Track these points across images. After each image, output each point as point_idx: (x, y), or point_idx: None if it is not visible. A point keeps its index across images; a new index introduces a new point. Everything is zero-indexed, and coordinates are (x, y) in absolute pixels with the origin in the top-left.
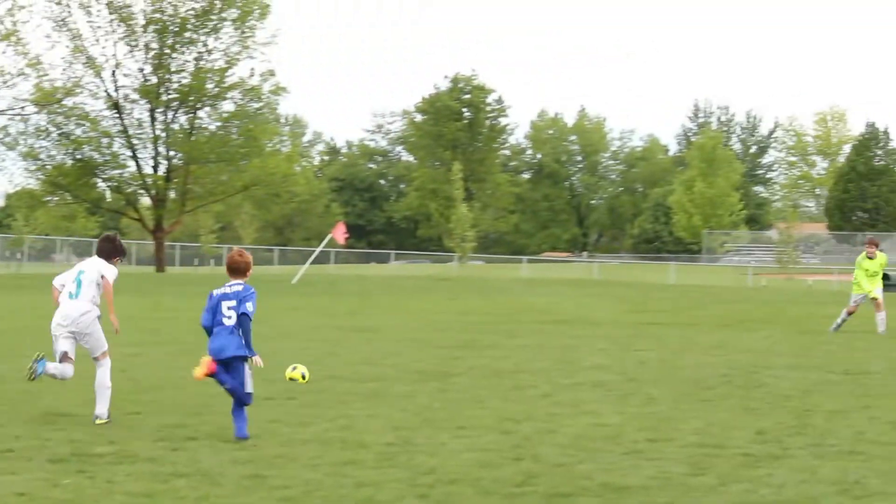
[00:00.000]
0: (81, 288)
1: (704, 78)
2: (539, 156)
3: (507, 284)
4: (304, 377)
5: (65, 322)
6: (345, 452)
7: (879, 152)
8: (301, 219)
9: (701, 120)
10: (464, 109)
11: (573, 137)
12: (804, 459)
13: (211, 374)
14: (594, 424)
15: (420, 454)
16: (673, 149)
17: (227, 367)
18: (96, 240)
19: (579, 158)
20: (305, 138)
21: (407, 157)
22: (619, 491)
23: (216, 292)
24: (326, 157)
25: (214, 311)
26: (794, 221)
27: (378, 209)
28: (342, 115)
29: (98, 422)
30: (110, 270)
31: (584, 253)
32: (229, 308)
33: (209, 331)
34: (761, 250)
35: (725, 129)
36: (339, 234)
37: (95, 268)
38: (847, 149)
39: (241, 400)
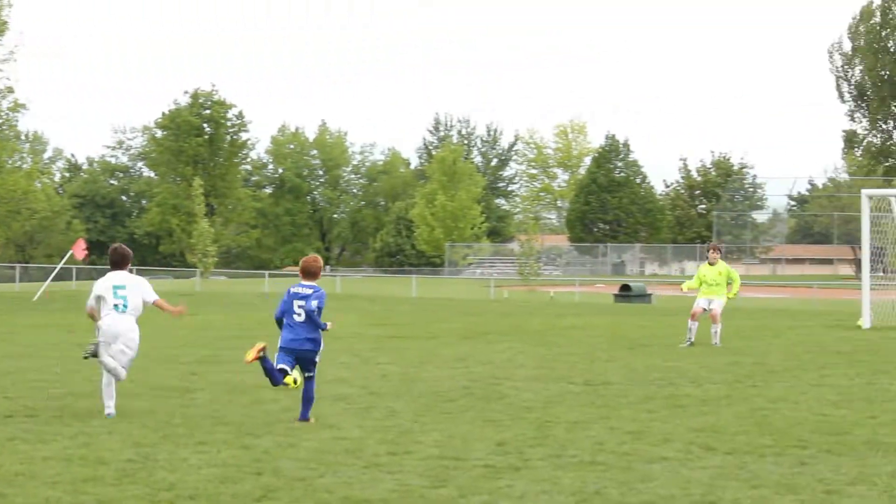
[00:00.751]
0: (128, 304)
1: (445, 91)
2: (280, 170)
3: (250, 299)
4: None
5: (113, 334)
6: (84, 469)
7: (620, 164)
8: (43, 236)
9: (441, 133)
10: (204, 125)
11: (314, 152)
12: (545, 470)
13: (258, 359)
14: (335, 438)
15: (160, 470)
16: (414, 162)
17: (300, 360)
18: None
19: (321, 173)
20: (46, 155)
21: (148, 172)
22: None
23: (292, 290)
24: (67, 174)
25: (288, 306)
26: (536, 233)
27: (120, 225)
28: (83, 132)
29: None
30: (150, 291)
31: (327, 267)
32: (299, 307)
33: (279, 322)
34: (503, 262)
35: (466, 142)
36: (79, 250)
37: (137, 288)
38: (588, 161)
39: (275, 381)
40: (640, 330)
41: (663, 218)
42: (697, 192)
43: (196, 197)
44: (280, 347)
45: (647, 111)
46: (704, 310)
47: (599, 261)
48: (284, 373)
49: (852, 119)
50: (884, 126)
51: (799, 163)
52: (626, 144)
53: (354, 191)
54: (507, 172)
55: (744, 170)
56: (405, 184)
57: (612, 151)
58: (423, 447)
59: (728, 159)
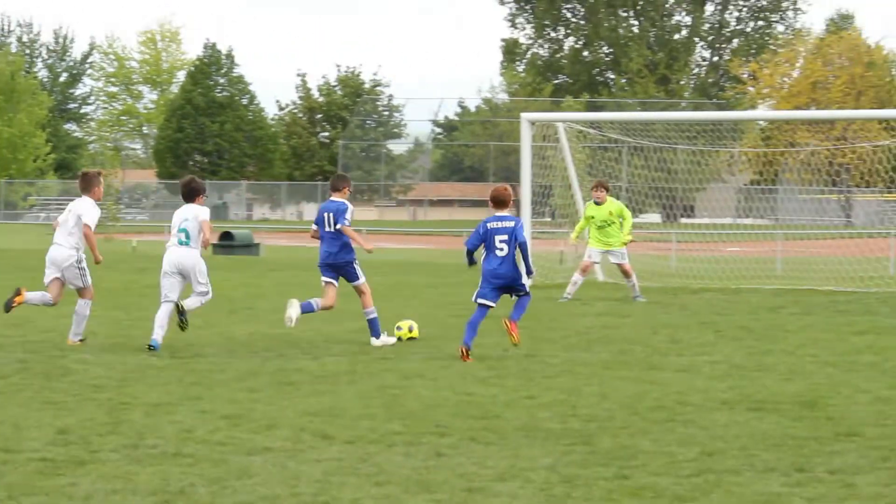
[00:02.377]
0: (191, 237)
1: None
2: None
3: None
4: (411, 330)
5: (171, 268)
6: None
7: (222, 81)
8: None
9: None
10: None
11: None
12: (117, 464)
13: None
14: None
15: None
16: None
17: (511, 288)
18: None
19: None
20: None
21: None
22: None
23: (489, 225)
24: None
25: (484, 240)
26: (116, 168)
27: None
28: None
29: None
30: (204, 212)
31: None
32: (501, 241)
33: (471, 253)
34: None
35: (28, 51)
36: None
37: (194, 216)
38: (182, 76)
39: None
40: (243, 289)
41: (276, 149)
42: (319, 116)
43: None
44: (485, 281)
45: (255, 14)
46: (596, 263)
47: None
48: (487, 308)
49: (513, 25)
50: (553, 34)
51: (447, 80)
52: (229, 56)
53: None
54: (81, 90)
55: (377, 88)
56: None
57: (213, 65)
58: None
59: (358, 75)
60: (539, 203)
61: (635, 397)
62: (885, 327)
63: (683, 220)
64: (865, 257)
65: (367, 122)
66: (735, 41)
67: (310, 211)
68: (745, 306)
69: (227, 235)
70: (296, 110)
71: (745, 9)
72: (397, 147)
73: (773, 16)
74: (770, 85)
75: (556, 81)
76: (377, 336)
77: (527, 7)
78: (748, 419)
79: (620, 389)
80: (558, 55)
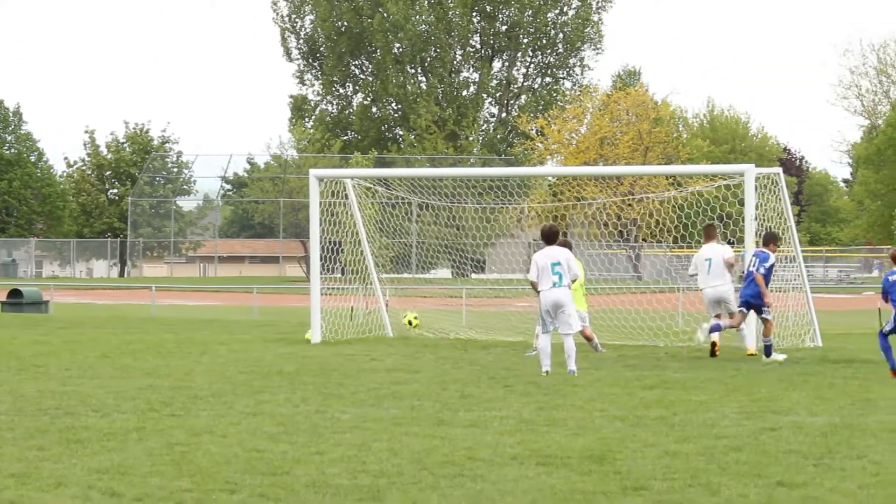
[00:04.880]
0: (563, 278)
1: None
2: None
3: None
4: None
5: (550, 306)
6: None
7: (9, 138)
8: None
9: None
10: None
11: None
12: None
13: None
14: None
15: None
16: None
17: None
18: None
19: None
20: None
21: None
22: None
23: (891, 278)
24: None
25: (887, 292)
26: None
27: None
28: None
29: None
30: (574, 269)
31: None
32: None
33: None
34: None
35: None
36: None
37: (563, 258)
38: None
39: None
40: (32, 346)
41: (65, 206)
42: (108, 173)
43: None
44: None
45: (42, 70)
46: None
47: None
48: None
49: (302, 82)
50: (341, 90)
51: (236, 137)
52: (17, 113)
53: None
54: None
55: (166, 145)
56: None
57: (0, 122)
58: None
59: (146, 132)
60: (329, 259)
61: (425, 452)
62: (673, 381)
63: (474, 276)
64: (655, 310)
65: (157, 178)
66: (523, 97)
67: (99, 268)
68: (534, 361)
69: (15, 293)
70: (84, 167)
71: (532, 65)
72: (187, 204)
73: (560, 72)
74: (558, 141)
75: (345, 138)
76: (769, 355)
77: (315, 64)
78: (537, 474)
79: (410, 445)
80: (347, 111)
